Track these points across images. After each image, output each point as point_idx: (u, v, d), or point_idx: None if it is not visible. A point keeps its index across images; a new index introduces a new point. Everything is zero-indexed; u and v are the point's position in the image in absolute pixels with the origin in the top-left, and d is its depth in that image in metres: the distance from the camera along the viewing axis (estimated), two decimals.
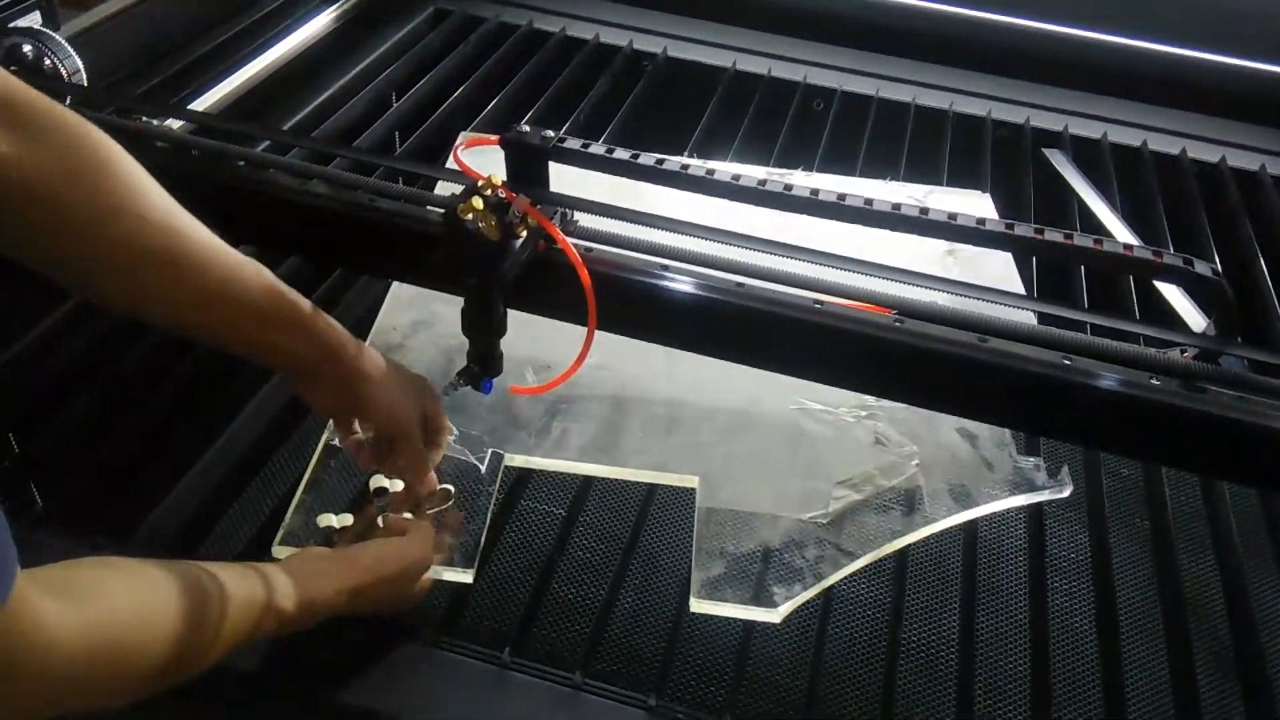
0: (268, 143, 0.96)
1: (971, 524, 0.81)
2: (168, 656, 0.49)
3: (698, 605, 0.73)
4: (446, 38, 1.43)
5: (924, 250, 1.03)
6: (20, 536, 0.70)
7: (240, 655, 0.63)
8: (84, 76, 0.84)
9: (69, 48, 0.83)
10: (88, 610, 0.46)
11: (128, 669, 0.48)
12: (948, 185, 1.21)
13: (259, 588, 0.57)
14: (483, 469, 0.81)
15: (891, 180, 1.20)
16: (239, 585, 0.55)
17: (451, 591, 0.73)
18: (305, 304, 0.68)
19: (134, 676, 0.48)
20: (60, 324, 0.88)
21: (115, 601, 0.48)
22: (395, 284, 0.97)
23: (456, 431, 0.83)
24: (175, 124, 0.90)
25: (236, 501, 0.80)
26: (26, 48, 0.82)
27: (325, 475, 0.79)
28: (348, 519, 0.73)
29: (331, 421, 0.82)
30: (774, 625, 0.73)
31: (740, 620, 0.73)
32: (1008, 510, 0.83)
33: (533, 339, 0.85)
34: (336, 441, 0.81)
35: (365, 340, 0.90)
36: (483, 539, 0.76)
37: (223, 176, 0.81)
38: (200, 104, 1.08)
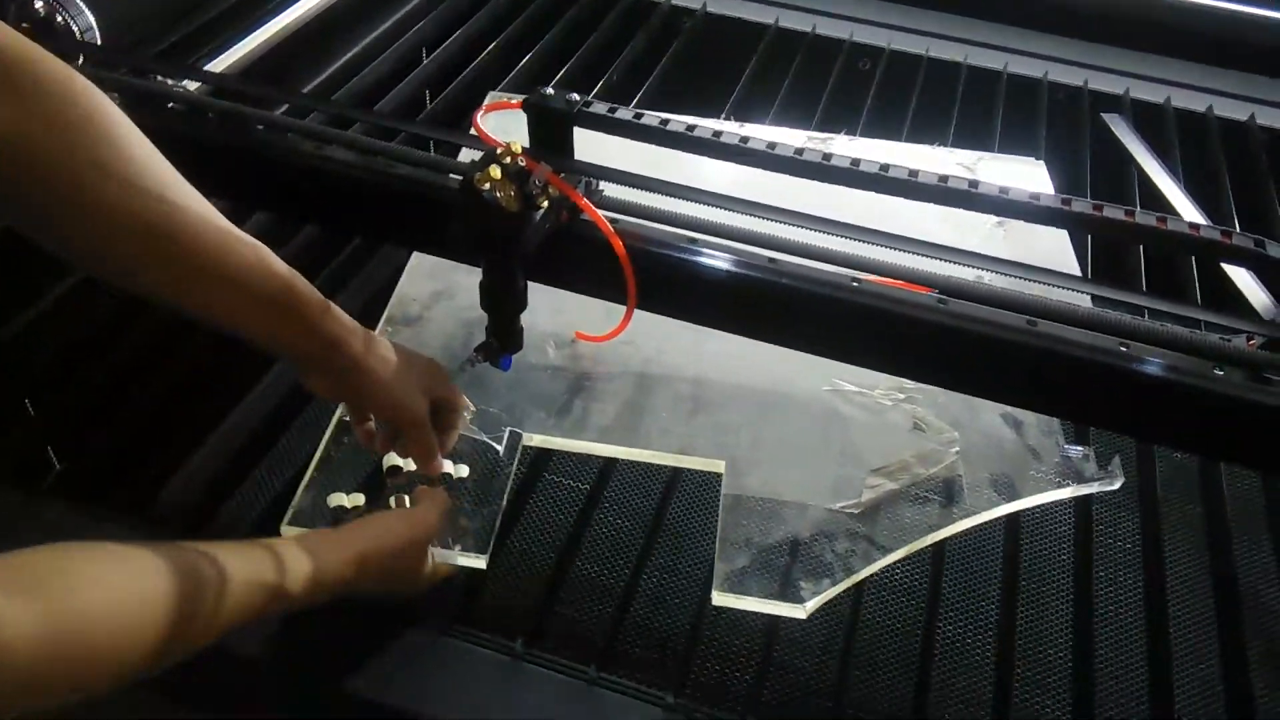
0: (286, 105, 0.93)
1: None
2: (146, 646, 0.46)
3: (720, 598, 0.70)
4: None
5: (972, 222, 0.98)
6: (33, 511, 0.70)
7: (244, 641, 0.62)
8: (97, 34, 0.81)
9: (80, 3, 0.80)
10: (45, 604, 0.42)
11: (97, 663, 0.45)
12: (1000, 151, 1.15)
13: (258, 564, 0.54)
14: (500, 449, 0.78)
15: (940, 146, 1.15)
16: (235, 563, 0.52)
17: (466, 573, 0.71)
18: (307, 290, 0.64)
19: (106, 670, 0.45)
20: (76, 289, 0.86)
21: (78, 592, 0.44)
22: (416, 254, 0.94)
23: (474, 409, 0.80)
24: (193, 85, 0.87)
25: (252, 473, 0.78)
26: (38, 4, 0.80)
27: (337, 453, 0.77)
28: (359, 499, 0.71)
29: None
30: None
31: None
32: None
33: (553, 311, 0.82)
34: (349, 418, 0.79)
35: (384, 312, 0.89)
36: (497, 523, 0.73)
37: (239, 140, 0.78)
38: (220, 63, 1.05)
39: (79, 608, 0.44)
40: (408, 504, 0.69)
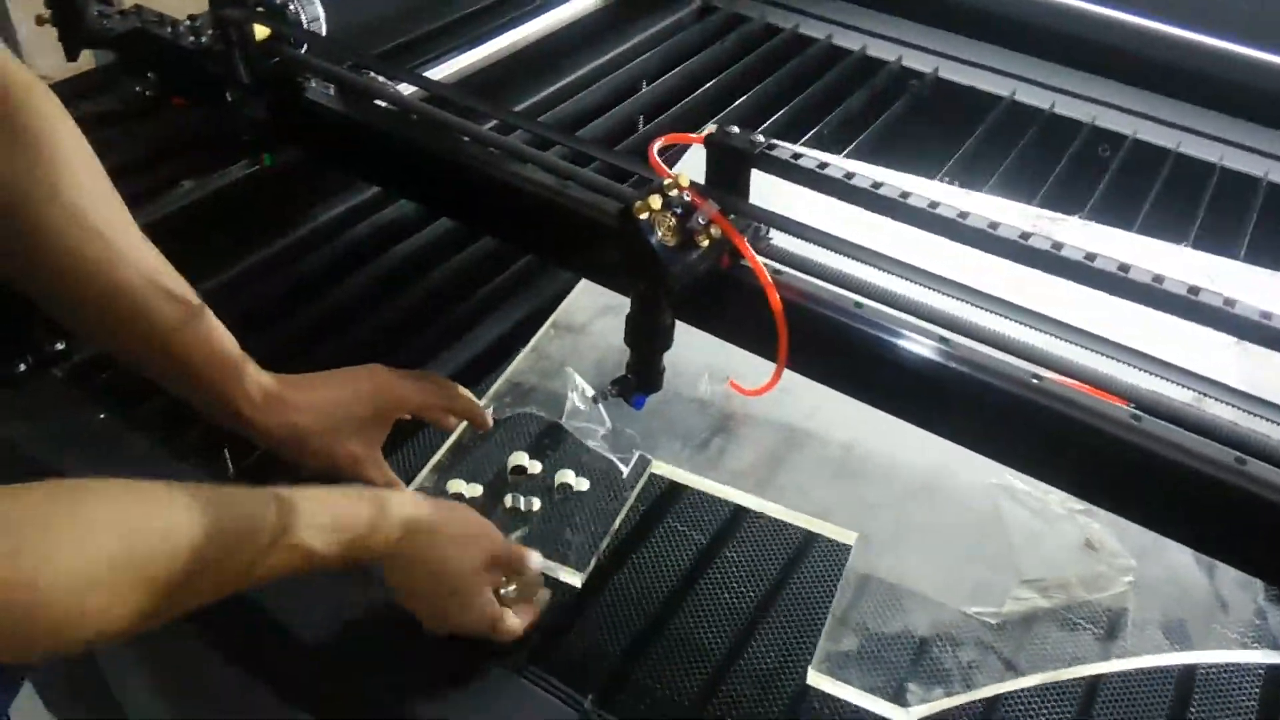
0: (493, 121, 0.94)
1: None
2: (120, 597, 0.44)
3: (815, 679, 0.64)
4: (706, 33, 1.38)
5: (1202, 337, 0.86)
6: (166, 464, 0.72)
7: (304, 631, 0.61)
8: (323, 25, 0.85)
9: None
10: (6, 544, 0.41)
11: (40, 615, 0.42)
12: (1248, 261, 1.03)
13: (262, 517, 0.51)
14: (625, 471, 0.76)
15: (1183, 246, 1.03)
16: (230, 513, 0.49)
17: (555, 607, 0.67)
18: (224, 351, 0.65)
19: (44, 623, 0.43)
20: (244, 273, 0.90)
21: (47, 536, 0.42)
22: None
23: (609, 425, 0.78)
24: (407, 89, 0.90)
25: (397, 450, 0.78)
26: None
27: (472, 442, 0.78)
28: (478, 489, 0.72)
29: (492, 391, 0.81)
30: None
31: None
32: None
33: (716, 344, 0.78)
34: (490, 410, 0.79)
35: (549, 318, 0.88)
36: (604, 544, 0.71)
37: (430, 145, 0.79)
38: (440, 71, 1.09)
39: (33, 551, 0.42)
40: (521, 507, 0.68)
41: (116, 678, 0.87)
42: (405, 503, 0.59)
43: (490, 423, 0.77)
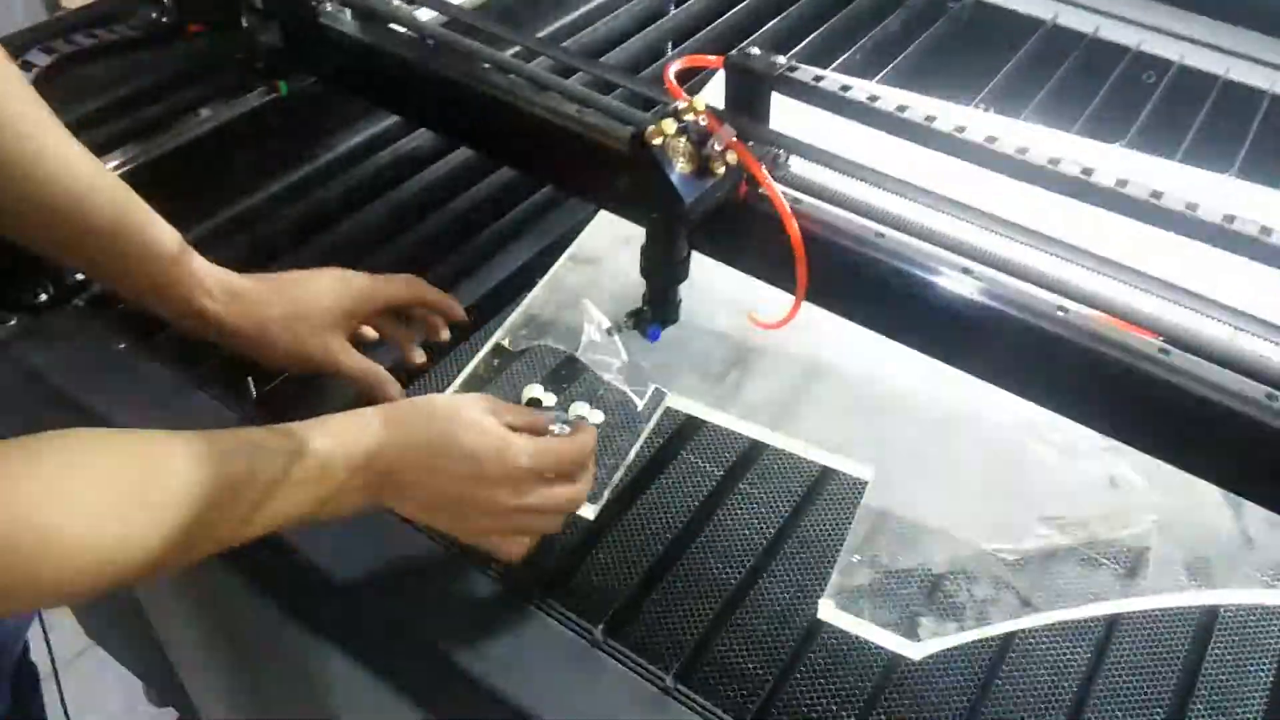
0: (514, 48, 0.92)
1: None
2: (112, 539, 0.44)
3: (826, 612, 0.63)
4: None
5: (1244, 267, 0.82)
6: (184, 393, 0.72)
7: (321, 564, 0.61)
8: None
9: None
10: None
11: (52, 551, 0.42)
12: None
13: (247, 461, 0.49)
14: (640, 404, 0.75)
15: (1228, 175, 0.99)
16: (210, 462, 0.47)
17: (569, 539, 0.67)
18: (165, 242, 0.64)
19: (54, 560, 0.42)
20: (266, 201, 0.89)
21: (48, 476, 0.42)
22: None
23: (625, 358, 0.78)
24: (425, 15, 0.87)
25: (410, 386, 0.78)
26: None
27: (487, 373, 0.77)
28: None
29: (508, 324, 0.80)
30: (924, 658, 0.62)
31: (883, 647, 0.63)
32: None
33: (738, 276, 0.76)
34: (506, 342, 0.79)
35: (567, 250, 0.87)
36: (617, 478, 0.70)
37: (446, 72, 0.78)
38: None
39: (55, 490, 0.42)
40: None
41: (152, 609, 0.89)
42: (379, 409, 0.56)
43: (463, 313, 0.77)
